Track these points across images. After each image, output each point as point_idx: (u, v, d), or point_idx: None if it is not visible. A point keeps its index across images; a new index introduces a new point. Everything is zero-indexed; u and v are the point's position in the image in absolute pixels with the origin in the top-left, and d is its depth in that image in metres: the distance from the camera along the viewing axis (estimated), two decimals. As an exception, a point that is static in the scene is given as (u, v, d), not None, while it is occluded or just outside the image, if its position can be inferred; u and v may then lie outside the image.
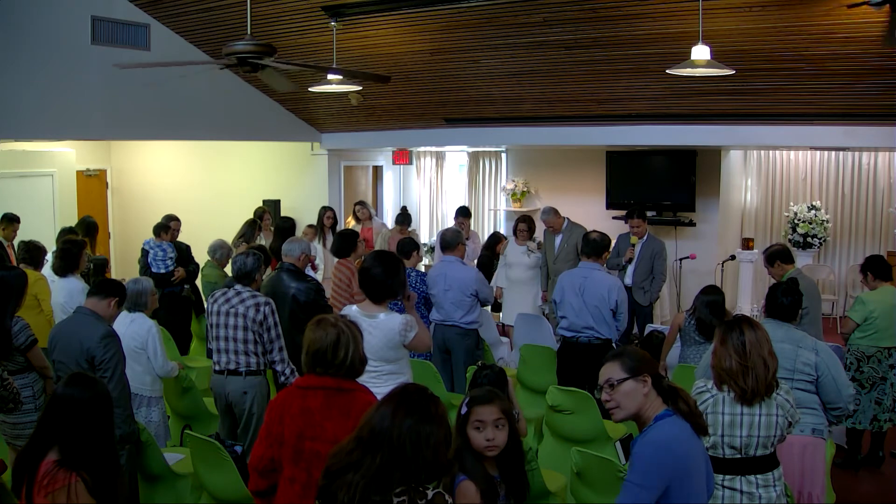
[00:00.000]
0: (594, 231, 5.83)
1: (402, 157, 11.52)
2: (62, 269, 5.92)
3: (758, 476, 3.18)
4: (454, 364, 6.08)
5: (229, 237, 7.84)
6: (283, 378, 4.67)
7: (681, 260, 8.62)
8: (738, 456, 3.17)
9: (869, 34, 5.34)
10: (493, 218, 11.72)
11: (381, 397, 2.41)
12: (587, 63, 6.89)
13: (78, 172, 10.61)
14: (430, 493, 2.20)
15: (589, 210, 9.54)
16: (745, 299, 9.08)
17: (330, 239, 8.62)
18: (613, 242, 6.74)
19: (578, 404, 4.79)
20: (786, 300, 4.01)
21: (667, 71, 5.04)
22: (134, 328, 4.86)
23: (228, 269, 6.24)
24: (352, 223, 9.90)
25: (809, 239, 9.68)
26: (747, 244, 9.86)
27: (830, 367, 3.77)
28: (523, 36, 6.63)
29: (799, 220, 9.74)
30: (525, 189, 10.70)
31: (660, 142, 8.25)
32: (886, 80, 6.02)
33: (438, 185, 12.27)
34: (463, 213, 8.91)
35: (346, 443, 2.29)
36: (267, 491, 3.00)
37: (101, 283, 4.61)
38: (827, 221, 9.74)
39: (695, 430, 2.56)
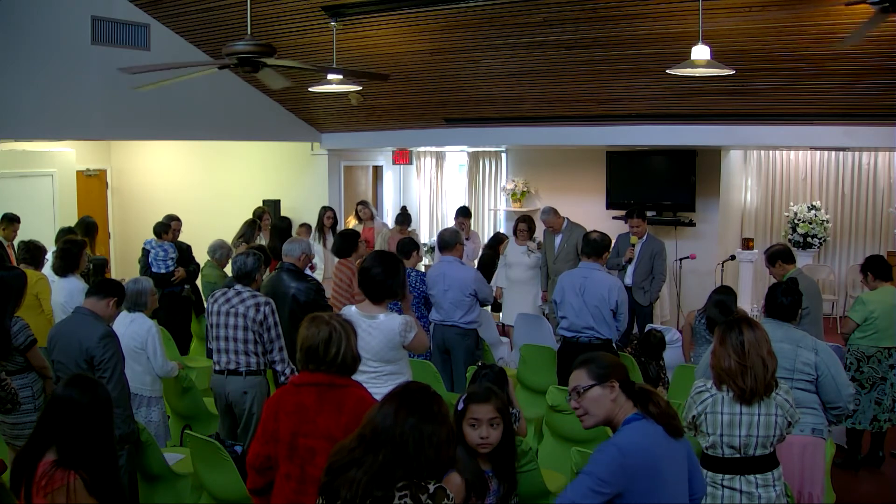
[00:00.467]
0: (594, 231, 5.83)
1: (402, 157, 11.51)
2: (62, 269, 5.91)
3: (757, 476, 3.19)
4: (454, 364, 6.08)
5: (229, 237, 7.85)
6: (283, 378, 4.67)
7: (681, 260, 8.62)
8: (738, 455, 3.18)
9: (869, 34, 5.33)
10: (493, 218, 11.71)
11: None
12: (587, 63, 6.89)
13: (78, 172, 10.61)
14: (431, 488, 2.22)
15: (589, 210, 9.53)
16: (745, 299, 9.07)
17: (330, 239, 8.62)
18: (613, 242, 6.74)
19: (578, 404, 4.78)
20: (785, 300, 4.01)
21: (667, 71, 5.04)
22: (134, 328, 4.86)
23: (228, 270, 6.24)
24: (353, 223, 9.91)
25: (809, 239, 9.68)
26: (747, 244, 9.86)
27: (830, 366, 3.77)
28: (523, 36, 6.63)
29: (799, 220, 9.75)
30: (525, 189, 10.69)
31: (660, 142, 8.24)
32: (886, 80, 6.02)
33: (438, 185, 12.26)
34: (463, 213, 8.92)
35: (349, 440, 2.31)
36: (264, 489, 3.03)
37: (100, 283, 4.62)
38: (827, 221, 9.74)
39: (668, 431, 2.54)
